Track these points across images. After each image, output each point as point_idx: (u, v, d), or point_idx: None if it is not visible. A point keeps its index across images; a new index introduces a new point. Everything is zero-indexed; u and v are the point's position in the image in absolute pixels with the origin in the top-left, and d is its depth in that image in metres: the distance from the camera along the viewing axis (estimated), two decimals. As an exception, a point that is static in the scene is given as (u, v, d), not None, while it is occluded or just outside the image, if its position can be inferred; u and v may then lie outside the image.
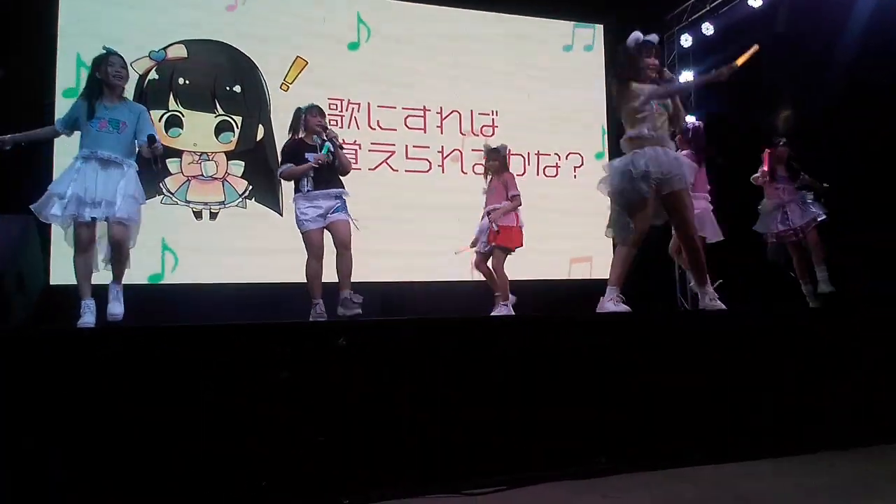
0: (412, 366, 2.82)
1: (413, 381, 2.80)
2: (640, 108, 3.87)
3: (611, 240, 4.31)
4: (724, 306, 3.81)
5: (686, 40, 8.54)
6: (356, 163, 6.92)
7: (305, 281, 4.43)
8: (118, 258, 3.84)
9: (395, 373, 2.80)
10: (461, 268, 5.97)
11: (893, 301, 4.31)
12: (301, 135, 4.57)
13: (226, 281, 6.37)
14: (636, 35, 4.02)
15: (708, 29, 8.19)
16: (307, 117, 4.56)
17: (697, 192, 5.52)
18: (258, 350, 2.66)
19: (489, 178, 5.55)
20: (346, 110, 7.23)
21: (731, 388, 3.29)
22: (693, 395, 3.21)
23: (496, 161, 5.51)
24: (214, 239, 6.60)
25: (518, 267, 5.71)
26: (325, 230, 4.44)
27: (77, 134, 3.88)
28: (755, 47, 3.89)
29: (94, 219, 3.73)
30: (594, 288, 6.01)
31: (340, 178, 4.54)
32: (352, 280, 4.41)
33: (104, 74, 3.86)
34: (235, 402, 2.56)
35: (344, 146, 4.73)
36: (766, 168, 5.68)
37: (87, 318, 3.71)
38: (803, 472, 2.96)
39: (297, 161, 4.43)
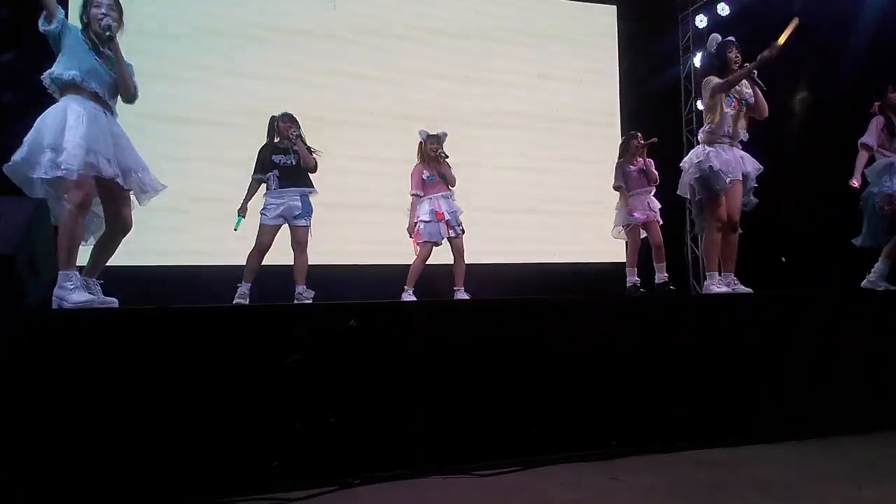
0: (423, 347, 2.82)
1: (424, 363, 2.80)
2: (707, 102, 4.20)
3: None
4: (729, 290, 4.04)
5: (701, 21, 8.43)
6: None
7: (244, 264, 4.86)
8: (114, 246, 3.36)
9: (406, 354, 2.80)
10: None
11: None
12: (276, 140, 5.03)
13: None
14: (716, 36, 4.30)
15: (723, 9, 8.07)
16: (279, 124, 5.00)
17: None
18: (269, 332, 2.67)
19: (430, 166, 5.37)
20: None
21: (745, 372, 3.26)
22: (706, 379, 3.20)
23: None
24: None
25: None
26: (279, 228, 4.92)
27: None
28: (795, 21, 3.83)
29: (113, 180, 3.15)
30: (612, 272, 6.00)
31: (309, 176, 5.00)
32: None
33: (89, 19, 3.23)
34: (246, 384, 2.57)
35: (313, 149, 5.07)
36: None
37: (79, 295, 3.05)
38: (817, 456, 2.94)
39: (265, 165, 4.96)
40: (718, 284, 4.12)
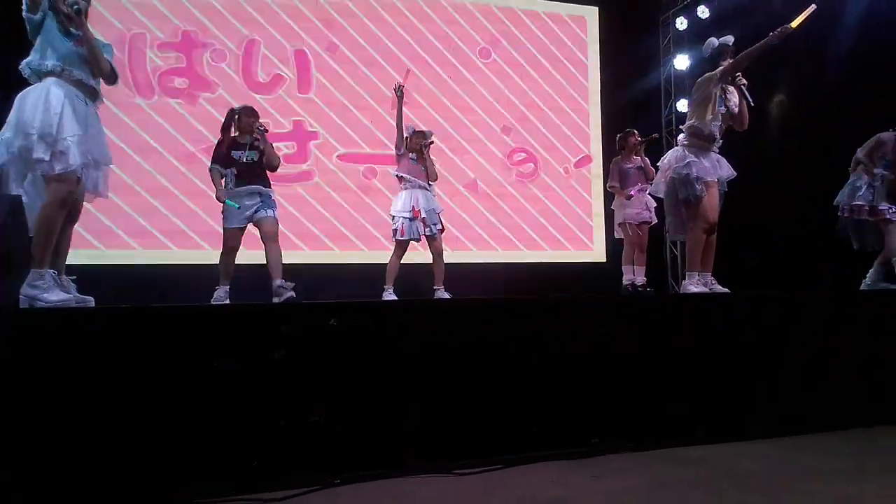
0: (407, 347, 2.81)
1: (405, 362, 2.79)
2: (699, 96, 4.20)
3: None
4: (706, 290, 4.07)
5: (682, 23, 8.50)
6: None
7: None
8: (68, 234, 3.18)
9: (387, 353, 2.79)
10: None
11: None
12: (234, 133, 4.63)
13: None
14: (712, 41, 4.31)
15: (703, 12, 8.15)
16: (240, 117, 4.61)
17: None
18: (251, 330, 2.64)
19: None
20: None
21: (726, 371, 3.29)
22: (687, 377, 3.22)
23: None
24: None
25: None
26: (246, 228, 4.54)
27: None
28: (812, 7, 3.85)
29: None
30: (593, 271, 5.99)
31: (267, 175, 4.62)
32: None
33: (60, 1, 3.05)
34: (228, 382, 2.54)
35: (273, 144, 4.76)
36: None
37: (55, 295, 2.95)
38: (798, 452, 2.97)
39: (224, 159, 4.53)
40: (696, 284, 4.15)
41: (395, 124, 5.30)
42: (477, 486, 2.56)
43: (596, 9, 8.46)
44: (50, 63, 3.00)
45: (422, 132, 5.28)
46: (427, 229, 5.11)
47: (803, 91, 6.70)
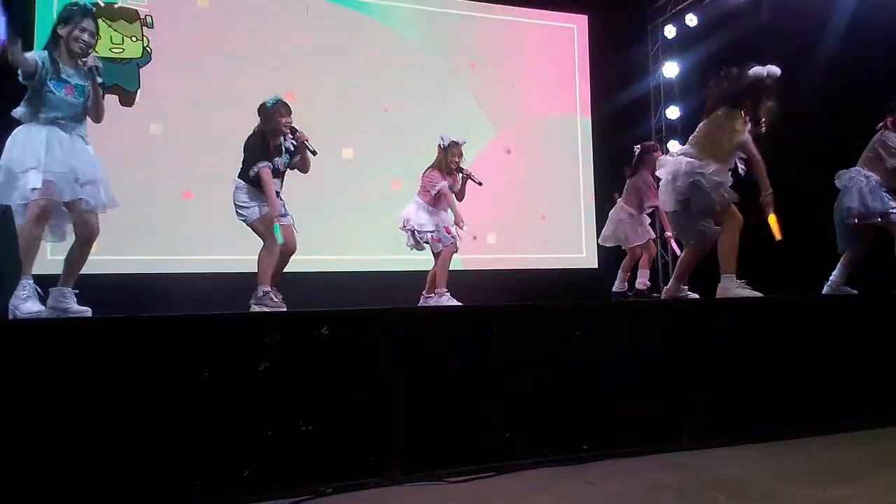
0: (394, 354, 2.81)
1: (395, 370, 2.80)
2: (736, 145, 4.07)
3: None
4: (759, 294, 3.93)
5: (670, 31, 8.58)
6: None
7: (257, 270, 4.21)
8: (84, 254, 3.48)
9: (377, 361, 2.79)
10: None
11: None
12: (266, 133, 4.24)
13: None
14: (771, 70, 4.06)
15: (692, 20, 8.23)
16: (276, 116, 4.20)
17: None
18: (239, 340, 2.65)
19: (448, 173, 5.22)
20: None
21: (711, 376, 3.31)
22: (674, 382, 3.24)
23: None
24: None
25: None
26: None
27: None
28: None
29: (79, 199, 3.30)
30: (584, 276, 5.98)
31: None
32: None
33: (67, 36, 3.31)
34: (216, 392, 2.54)
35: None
36: None
37: (33, 305, 3.21)
38: (784, 457, 2.99)
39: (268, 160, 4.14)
40: (742, 286, 3.99)
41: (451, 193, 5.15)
42: (468, 494, 2.56)
43: (585, 17, 8.53)
44: (31, 111, 3.25)
45: (457, 142, 5.14)
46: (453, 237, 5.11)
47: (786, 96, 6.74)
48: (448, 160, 5.10)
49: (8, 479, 2.23)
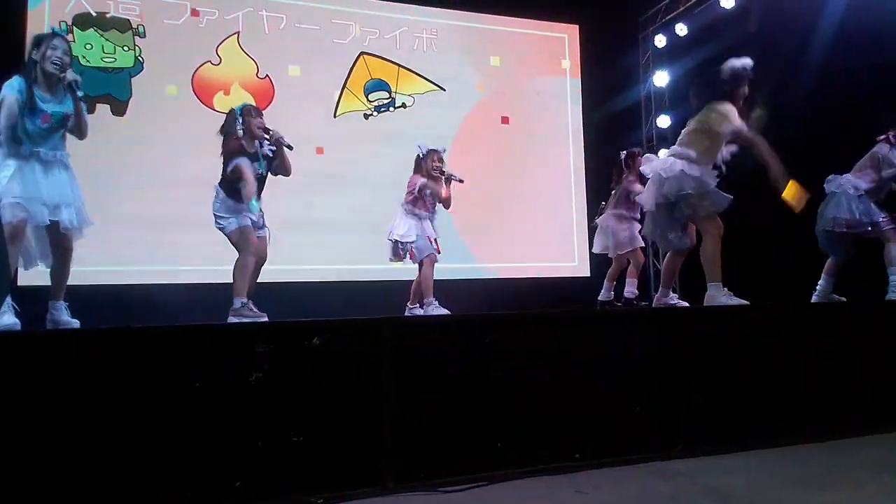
0: (386, 363, 2.81)
1: (388, 379, 2.79)
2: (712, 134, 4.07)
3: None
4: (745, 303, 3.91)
5: (660, 41, 8.64)
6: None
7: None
8: (65, 270, 3.69)
9: (370, 371, 2.78)
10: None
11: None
12: (241, 138, 4.14)
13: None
14: (733, 63, 4.15)
15: (682, 29, 8.29)
16: (246, 119, 4.13)
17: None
18: (230, 350, 2.64)
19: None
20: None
21: (703, 384, 3.31)
22: (665, 391, 3.24)
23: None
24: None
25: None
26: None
27: None
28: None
29: (53, 222, 3.49)
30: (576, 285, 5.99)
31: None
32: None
33: (41, 58, 3.45)
34: (208, 403, 2.53)
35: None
36: None
37: (8, 318, 3.42)
38: (777, 464, 2.99)
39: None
40: (728, 295, 3.97)
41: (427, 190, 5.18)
42: (461, 503, 2.55)
43: (576, 27, 8.58)
44: (13, 148, 3.39)
45: (435, 150, 5.21)
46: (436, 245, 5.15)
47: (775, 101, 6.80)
48: (428, 167, 5.15)
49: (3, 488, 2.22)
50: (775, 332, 3.55)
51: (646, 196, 4.32)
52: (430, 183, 5.13)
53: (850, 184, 4.83)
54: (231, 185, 4.12)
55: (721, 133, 4.08)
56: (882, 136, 4.88)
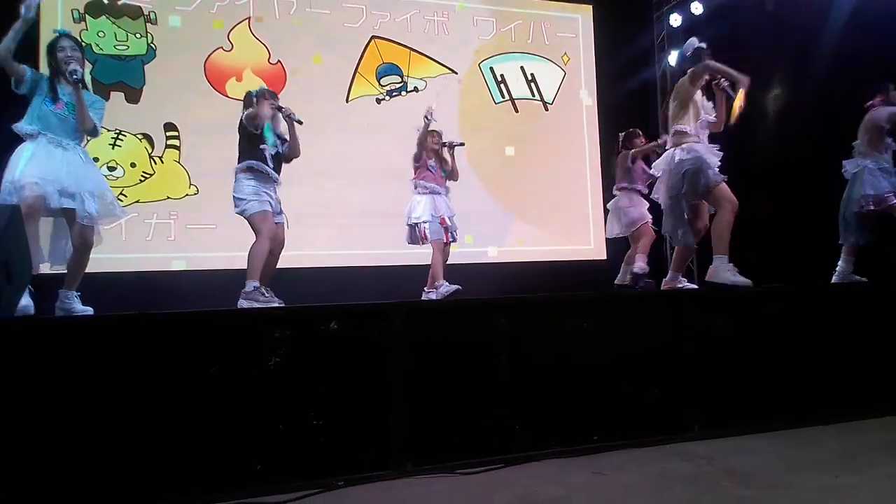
0: (404, 348, 2.82)
1: (405, 363, 2.81)
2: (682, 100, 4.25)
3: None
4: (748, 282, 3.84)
5: (675, 20, 8.51)
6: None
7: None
8: (83, 262, 3.73)
9: (387, 355, 2.80)
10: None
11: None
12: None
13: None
14: (693, 41, 4.41)
15: (697, 8, 8.16)
16: (259, 101, 4.17)
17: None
18: (248, 335, 2.66)
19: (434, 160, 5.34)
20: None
21: (721, 365, 3.31)
22: (684, 372, 3.24)
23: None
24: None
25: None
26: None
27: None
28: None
29: (69, 210, 3.57)
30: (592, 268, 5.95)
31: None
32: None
33: (55, 61, 3.69)
34: (226, 387, 2.56)
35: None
36: None
37: (25, 300, 3.31)
38: (792, 446, 3.00)
39: (256, 149, 4.14)
40: (733, 272, 3.89)
41: (416, 142, 5.23)
42: (479, 486, 2.58)
43: (590, 7, 8.48)
44: (30, 128, 3.58)
45: (435, 131, 5.28)
46: (448, 235, 5.16)
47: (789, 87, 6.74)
48: (428, 144, 5.22)
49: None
50: (794, 314, 3.53)
51: (658, 193, 4.48)
52: (431, 107, 5.22)
53: (866, 161, 4.84)
54: (251, 171, 4.14)
55: (689, 97, 4.23)
56: (869, 103, 4.93)
